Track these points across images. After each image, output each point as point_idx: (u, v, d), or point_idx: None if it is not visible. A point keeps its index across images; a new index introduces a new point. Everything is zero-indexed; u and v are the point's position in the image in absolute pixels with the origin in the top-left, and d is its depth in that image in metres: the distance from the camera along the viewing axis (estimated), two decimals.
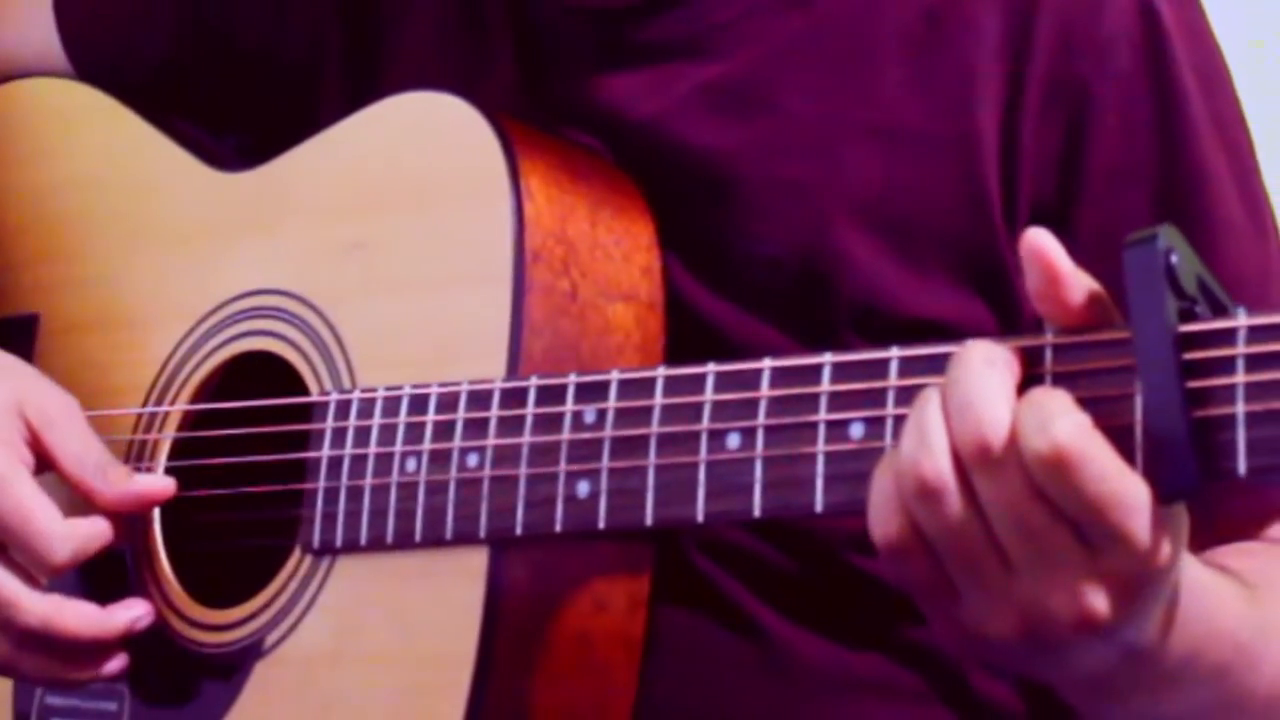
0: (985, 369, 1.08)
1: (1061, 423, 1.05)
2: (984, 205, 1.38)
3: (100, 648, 1.44)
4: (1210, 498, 1.17)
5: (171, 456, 1.51)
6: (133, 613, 1.45)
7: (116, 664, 1.45)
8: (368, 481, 1.37)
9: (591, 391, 1.29)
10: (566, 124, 1.44)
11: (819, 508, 1.18)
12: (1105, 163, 1.39)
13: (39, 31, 1.69)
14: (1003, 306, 1.39)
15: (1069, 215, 1.38)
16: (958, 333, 1.36)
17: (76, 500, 1.46)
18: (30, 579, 1.44)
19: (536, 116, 1.44)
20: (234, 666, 1.42)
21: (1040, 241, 1.09)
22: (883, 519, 1.10)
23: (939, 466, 1.07)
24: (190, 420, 1.50)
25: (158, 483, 1.46)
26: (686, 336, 1.38)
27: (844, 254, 1.39)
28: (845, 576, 1.39)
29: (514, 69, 1.48)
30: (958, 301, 1.39)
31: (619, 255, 1.39)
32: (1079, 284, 1.09)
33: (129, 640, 1.45)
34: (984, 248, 1.38)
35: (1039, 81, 1.38)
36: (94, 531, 1.44)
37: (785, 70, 1.41)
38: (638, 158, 1.42)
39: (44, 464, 1.46)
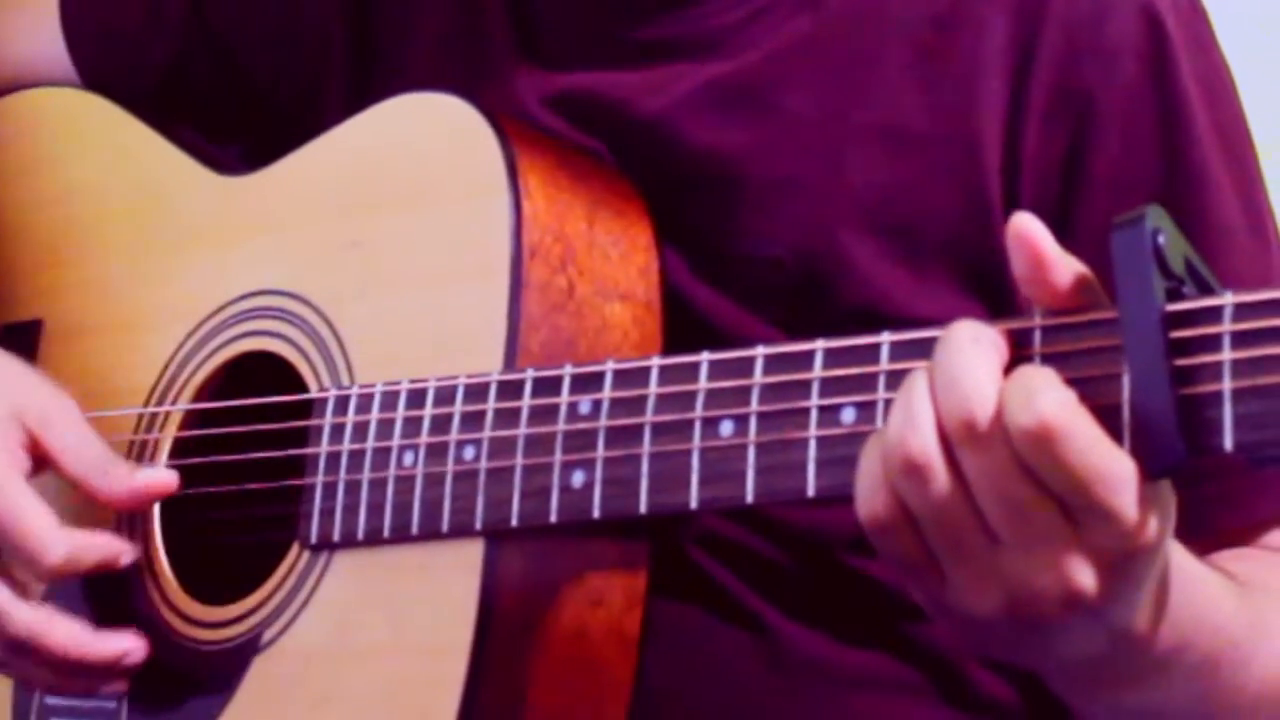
0: (971, 346, 1.09)
1: (1047, 397, 1.05)
2: (985, 210, 1.39)
3: (94, 666, 1.44)
4: (1202, 508, 1.18)
5: (172, 456, 1.51)
6: (124, 644, 1.44)
7: (114, 686, 1.45)
8: (365, 476, 1.37)
9: (587, 382, 1.29)
10: (569, 120, 1.45)
11: (810, 492, 1.18)
12: (1108, 172, 1.39)
13: (46, 41, 1.71)
14: (1003, 310, 1.39)
15: (1070, 223, 1.39)
16: None
17: (78, 510, 1.46)
18: (23, 590, 1.45)
19: (538, 112, 1.45)
20: (232, 662, 1.42)
21: (1026, 226, 1.10)
22: (869, 496, 1.11)
23: (925, 442, 1.08)
24: (191, 420, 1.51)
25: (160, 476, 1.46)
26: (686, 334, 1.39)
27: (845, 256, 1.40)
28: (843, 576, 1.40)
29: (516, 66, 1.49)
30: (958, 306, 1.39)
31: (616, 255, 1.40)
32: (1066, 267, 1.10)
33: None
34: (985, 253, 1.39)
35: (1044, 88, 1.39)
36: (90, 539, 1.44)
37: (791, 71, 1.42)
38: (641, 155, 1.43)
39: (43, 466, 1.47)
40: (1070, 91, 1.39)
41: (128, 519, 1.51)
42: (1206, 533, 1.32)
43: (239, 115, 1.66)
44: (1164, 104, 1.40)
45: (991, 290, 1.39)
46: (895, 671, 1.41)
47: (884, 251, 1.40)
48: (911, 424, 1.09)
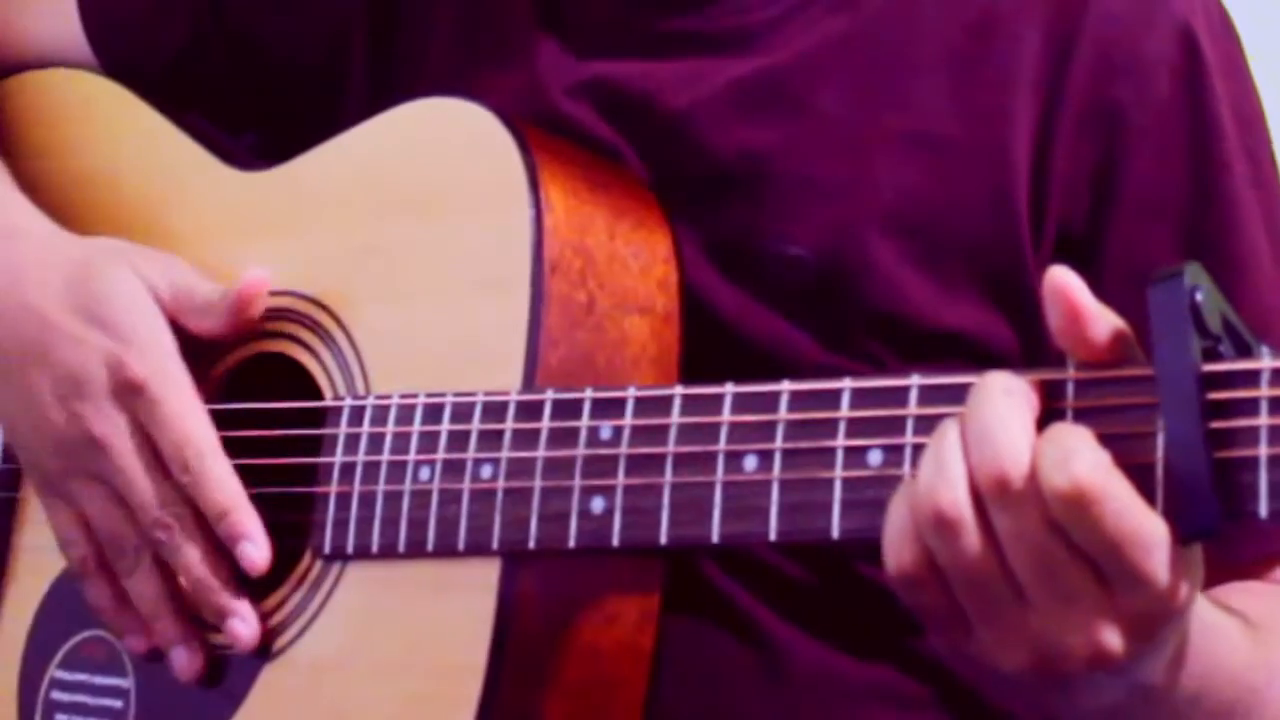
0: (1004, 399, 1.08)
1: (1082, 460, 1.05)
2: (1012, 219, 1.38)
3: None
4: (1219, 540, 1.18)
5: None
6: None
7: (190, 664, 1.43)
8: (380, 488, 1.36)
9: (608, 407, 1.28)
10: (595, 109, 1.44)
11: (835, 534, 1.18)
12: (1137, 191, 1.39)
13: (62, 19, 1.69)
14: (1023, 321, 1.39)
15: (1096, 240, 1.38)
16: (977, 345, 1.37)
17: None
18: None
19: (563, 100, 1.44)
20: (240, 669, 1.42)
21: (1063, 279, 1.09)
22: (898, 549, 1.10)
23: (956, 498, 1.07)
24: None
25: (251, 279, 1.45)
26: (706, 331, 1.38)
27: (868, 258, 1.39)
28: (855, 585, 1.39)
29: (541, 54, 1.47)
30: (979, 313, 1.39)
31: (636, 268, 1.39)
32: (1103, 321, 1.09)
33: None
34: (1009, 262, 1.38)
35: (1076, 100, 1.38)
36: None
37: (823, 72, 1.41)
38: (667, 148, 1.42)
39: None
40: (1102, 106, 1.38)
41: None
42: (1220, 563, 1.31)
43: (254, 101, 1.63)
44: (1196, 124, 1.39)
45: (1013, 299, 1.39)
46: (905, 686, 1.41)
47: (908, 255, 1.39)
48: (943, 477, 1.08)
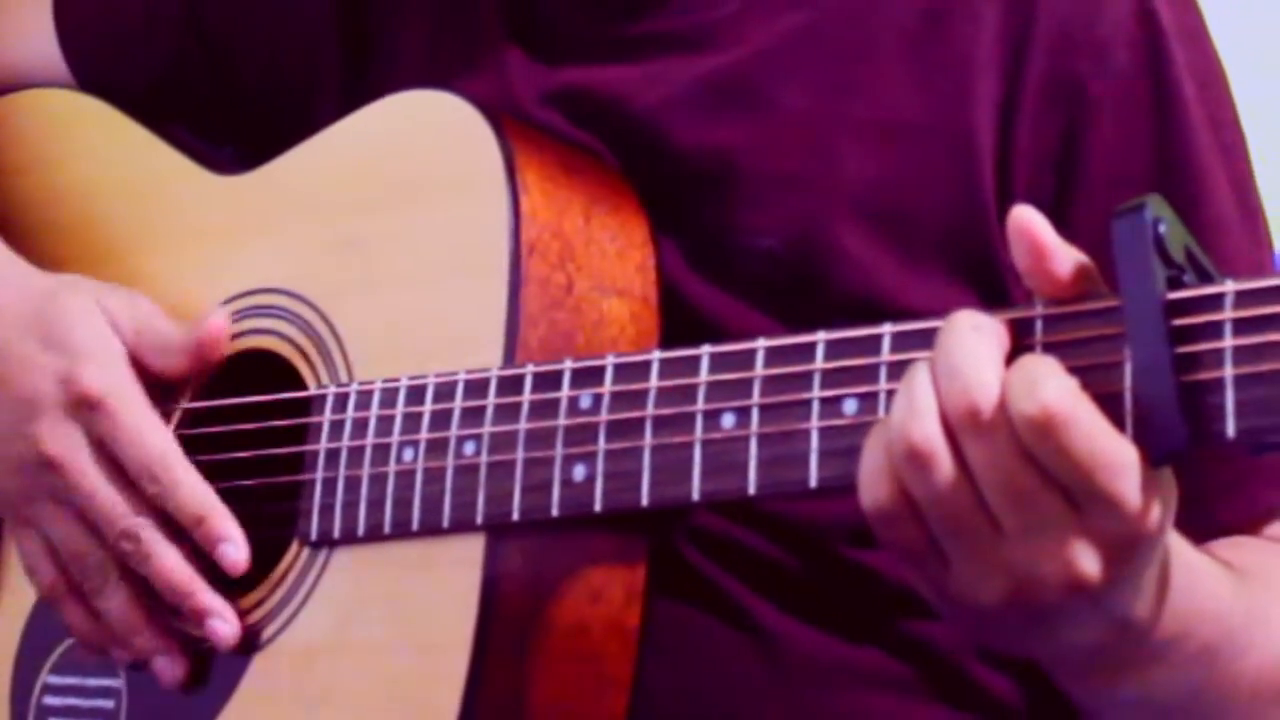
0: (972, 335, 1.09)
1: (1050, 385, 1.06)
2: (979, 201, 1.40)
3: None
4: (1203, 500, 1.19)
5: None
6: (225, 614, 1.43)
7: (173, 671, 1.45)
8: (365, 472, 1.38)
9: (587, 377, 1.30)
10: (566, 116, 1.46)
11: (813, 483, 1.19)
12: (1102, 163, 1.40)
13: (40, 43, 1.71)
14: (995, 299, 1.39)
15: (1064, 213, 1.38)
16: None
17: None
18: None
19: (535, 108, 1.46)
20: (232, 660, 1.42)
21: (1026, 217, 1.11)
22: (873, 486, 1.11)
23: (928, 431, 1.09)
24: (190, 418, 1.51)
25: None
26: (683, 329, 1.39)
27: (839, 248, 1.40)
28: (839, 569, 1.40)
29: (511, 62, 1.49)
30: (952, 296, 1.39)
31: (614, 251, 1.41)
32: (1066, 256, 1.11)
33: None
34: (979, 243, 1.40)
35: (1037, 79, 1.40)
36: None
37: (784, 65, 1.43)
38: (636, 149, 1.44)
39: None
40: (1063, 82, 1.40)
41: None
42: (1207, 524, 1.33)
43: (233, 115, 1.66)
44: (1158, 95, 1.41)
45: (984, 281, 1.40)
46: (893, 669, 1.41)
47: (877, 243, 1.40)
48: (914, 412, 1.09)
